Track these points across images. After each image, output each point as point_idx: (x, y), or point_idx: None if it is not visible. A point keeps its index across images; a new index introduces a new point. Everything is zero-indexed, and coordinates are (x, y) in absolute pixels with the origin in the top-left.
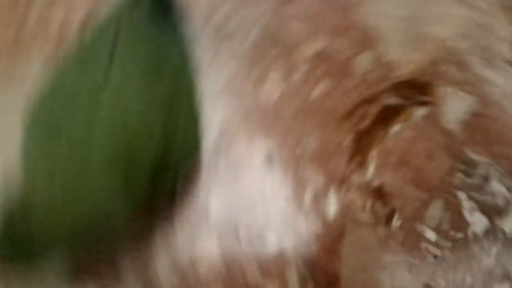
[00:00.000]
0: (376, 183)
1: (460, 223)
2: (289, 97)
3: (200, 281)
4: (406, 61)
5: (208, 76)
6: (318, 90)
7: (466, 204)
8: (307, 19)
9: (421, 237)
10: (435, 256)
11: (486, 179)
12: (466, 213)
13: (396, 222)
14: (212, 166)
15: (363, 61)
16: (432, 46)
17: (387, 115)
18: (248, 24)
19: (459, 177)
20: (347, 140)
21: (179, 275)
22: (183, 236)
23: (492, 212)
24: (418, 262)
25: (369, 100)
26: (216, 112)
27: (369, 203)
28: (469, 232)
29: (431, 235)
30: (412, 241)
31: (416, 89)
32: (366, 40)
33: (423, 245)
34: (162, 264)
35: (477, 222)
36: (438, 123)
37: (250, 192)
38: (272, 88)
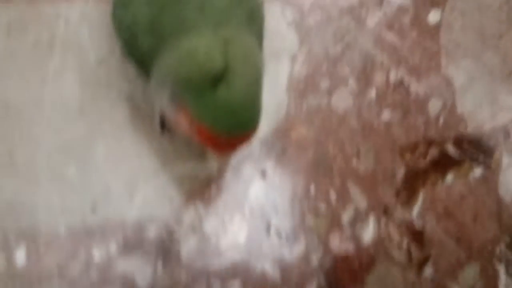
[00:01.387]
0: (418, 225)
1: None
2: (359, 110)
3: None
4: (477, 120)
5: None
6: (388, 115)
7: (504, 279)
8: (394, 50)
9: None
10: None
11: None
12: None
13: (428, 271)
14: (267, 147)
15: (436, 105)
16: (504, 114)
17: (446, 163)
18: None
19: (502, 250)
20: (401, 172)
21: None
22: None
23: None
24: None
25: (433, 142)
26: (285, 98)
27: (406, 242)
28: None
29: None
30: None
31: (479, 149)
32: (443, 87)
33: None
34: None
35: None
36: (493, 189)
37: (291, 188)
38: (345, 96)
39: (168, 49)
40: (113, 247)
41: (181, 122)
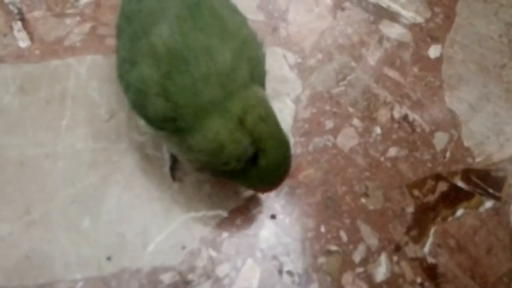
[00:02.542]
0: (430, 261)
1: None
2: (365, 148)
3: None
4: (484, 151)
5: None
6: (394, 152)
7: None
8: (397, 86)
9: None
10: None
11: None
12: None
13: None
14: (276, 190)
15: (442, 139)
16: None
17: (455, 197)
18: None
19: None
20: (411, 208)
21: None
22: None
23: None
24: None
25: (441, 177)
26: (291, 140)
27: (419, 279)
28: None
29: None
30: None
31: (488, 181)
32: (448, 120)
33: None
34: None
35: None
36: (505, 221)
37: (302, 230)
38: (351, 135)
39: (193, 131)
40: None
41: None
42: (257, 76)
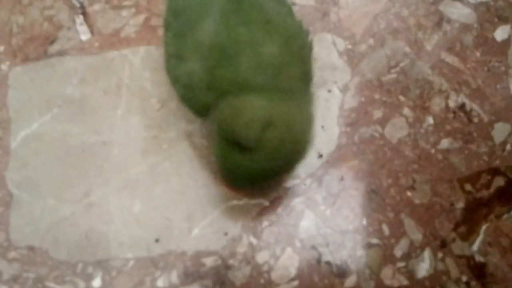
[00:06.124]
0: (479, 259)
1: None
2: (415, 140)
3: None
4: None
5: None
6: (446, 144)
7: None
8: (455, 73)
9: None
10: None
11: None
12: None
13: None
14: (318, 180)
15: (503, 130)
16: None
17: None
18: (400, 56)
19: None
20: (461, 203)
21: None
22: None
23: None
24: None
25: (498, 171)
26: (336, 130)
27: (465, 278)
28: None
29: None
30: None
31: None
32: (508, 110)
33: None
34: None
35: None
36: None
37: (342, 221)
38: (400, 125)
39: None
40: (174, 276)
41: None
42: (308, 70)
